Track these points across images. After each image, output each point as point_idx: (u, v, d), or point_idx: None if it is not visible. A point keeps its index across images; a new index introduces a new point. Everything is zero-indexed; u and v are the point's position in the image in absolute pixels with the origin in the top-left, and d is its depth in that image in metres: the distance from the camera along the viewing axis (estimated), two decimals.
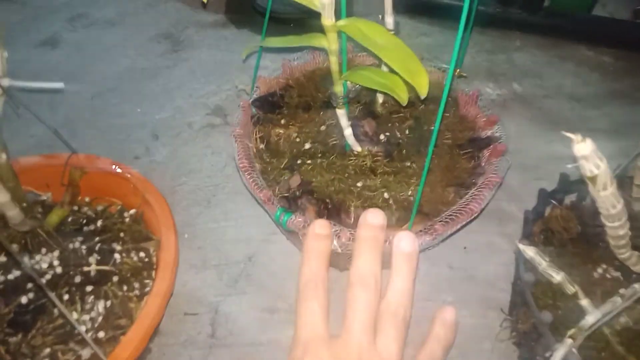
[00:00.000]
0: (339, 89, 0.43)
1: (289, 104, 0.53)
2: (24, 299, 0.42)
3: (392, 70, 0.36)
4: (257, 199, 0.45)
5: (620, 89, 0.81)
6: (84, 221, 0.49)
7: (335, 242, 0.41)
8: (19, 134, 0.56)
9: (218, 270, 0.57)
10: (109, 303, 0.42)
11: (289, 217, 0.43)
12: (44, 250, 0.45)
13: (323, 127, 0.51)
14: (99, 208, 0.50)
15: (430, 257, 0.58)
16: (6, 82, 0.39)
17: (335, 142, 0.50)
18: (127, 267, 0.45)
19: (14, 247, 0.44)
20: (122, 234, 0.47)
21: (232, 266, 0.57)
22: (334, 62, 0.40)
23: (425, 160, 0.36)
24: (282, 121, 0.52)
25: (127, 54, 0.87)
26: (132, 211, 0.51)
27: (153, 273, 0.45)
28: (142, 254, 0.46)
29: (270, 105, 0.52)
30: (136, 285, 0.44)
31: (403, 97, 0.37)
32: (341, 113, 0.45)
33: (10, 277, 0.43)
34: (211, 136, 0.72)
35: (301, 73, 0.56)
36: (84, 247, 0.46)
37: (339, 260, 0.48)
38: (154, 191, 0.49)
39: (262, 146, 0.50)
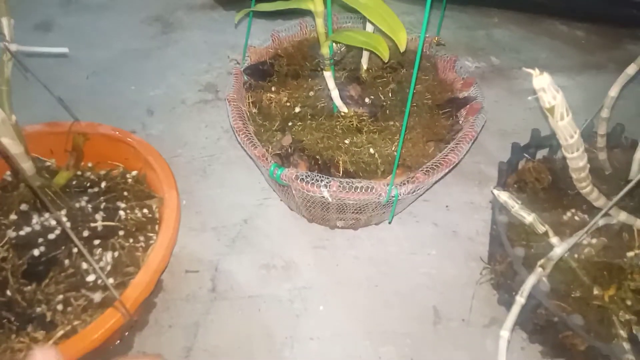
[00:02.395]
0: (325, 50, 0.46)
1: (278, 72, 0.56)
2: (36, 252, 0.44)
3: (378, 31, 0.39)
4: (252, 156, 0.48)
5: (593, 61, 0.85)
6: (88, 184, 0.51)
7: (326, 192, 0.45)
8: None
9: (216, 233, 0.60)
10: (116, 254, 0.45)
11: (282, 171, 0.46)
12: (53, 207, 0.47)
13: (311, 93, 0.54)
14: (102, 172, 0.53)
15: (415, 215, 0.61)
16: (14, 47, 0.41)
17: (323, 105, 0.53)
18: (132, 222, 0.48)
19: (24, 206, 0.47)
20: (125, 193, 0.50)
21: (229, 228, 0.60)
22: (320, 25, 0.43)
23: (409, 120, 0.39)
24: (273, 88, 0.55)
25: (119, 36, 0.89)
26: (134, 173, 0.53)
27: (156, 227, 0.48)
28: (145, 211, 0.49)
29: (261, 73, 0.55)
30: (141, 238, 0.47)
31: (384, 54, 0.41)
32: (328, 75, 0.48)
33: (22, 233, 0.45)
34: (204, 111, 0.75)
35: (289, 43, 0.59)
36: (89, 205, 0.48)
37: (329, 214, 0.52)
38: (155, 153, 0.52)
39: (254, 110, 0.53)
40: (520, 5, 0.93)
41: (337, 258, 0.58)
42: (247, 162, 0.67)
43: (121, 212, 0.48)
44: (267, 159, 0.47)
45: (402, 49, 0.38)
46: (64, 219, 0.47)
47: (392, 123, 0.51)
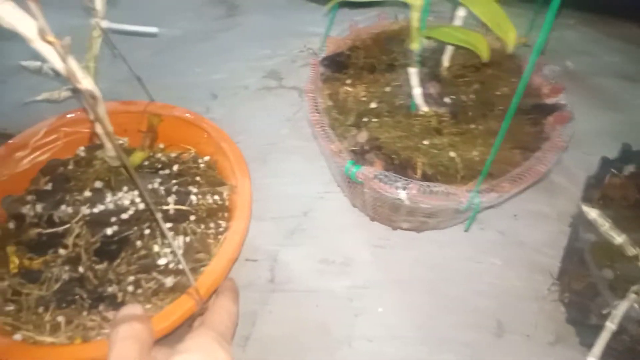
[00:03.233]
0: (416, 46, 0.43)
1: (355, 65, 0.54)
2: (109, 231, 0.44)
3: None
4: (326, 151, 0.47)
5: None
6: (159, 165, 0.51)
7: (403, 194, 0.43)
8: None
9: (275, 223, 0.60)
10: (188, 239, 0.44)
11: (359, 169, 0.44)
12: (125, 188, 0.47)
13: (388, 88, 0.52)
14: (172, 155, 0.53)
15: (481, 222, 0.59)
16: (105, 23, 0.41)
17: (400, 102, 0.51)
18: (203, 208, 0.47)
19: (99, 183, 0.47)
20: (198, 178, 0.49)
21: (288, 219, 0.60)
22: (415, 19, 0.41)
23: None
24: (348, 81, 0.53)
25: (183, 16, 0.88)
26: (206, 158, 0.52)
27: (226, 215, 0.47)
28: (216, 197, 0.48)
29: (337, 65, 0.53)
30: (211, 225, 0.46)
31: (484, 53, 0.38)
32: (413, 72, 0.46)
33: (95, 210, 0.46)
34: (266, 98, 0.74)
35: (367, 35, 0.57)
36: (162, 188, 0.48)
37: (397, 215, 0.50)
38: (228, 139, 0.51)
39: (330, 103, 0.51)
40: (594, 6, 0.88)
41: (396, 259, 0.57)
42: (308, 154, 0.66)
43: (192, 197, 0.48)
44: (342, 155, 0.45)
45: (509, 50, 0.35)
46: (137, 199, 0.46)
47: (474, 126, 0.49)
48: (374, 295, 0.53)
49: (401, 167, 0.46)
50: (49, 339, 0.37)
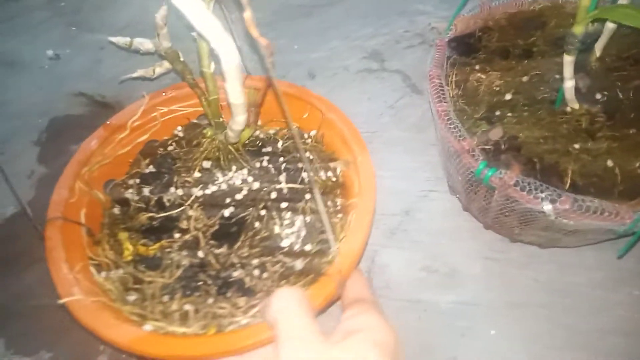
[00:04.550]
0: (579, 29, 0.36)
1: (486, 48, 0.49)
2: (226, 212, 0.42)
3: None
4: (453, 148, 0.41)
5: None
6: (260, 143, 0.49)
7: (549, 208, 0.36)
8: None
9: (374, 220, 0.54)
10: (308, 218, 0.42)
11: (494, 172, 0.38)
12: (234, 167, 0.45)
13: (525, 78, 0.47)
14: (271, 131, 0.50)
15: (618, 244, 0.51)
16: None
17: (542, 95, 0.44)
18: (318, 185, 0.44)
19: (206, 163, 0.44)
20: (308, 154, 0.47)
21: (388, 217, 0.56)
22: None
23: None
24: (477, 66, 0.47)
25: None
26: (312, 132, 0.50)
27: (340, 192, 0.45)
28: (329, 174, 0.46)
29: (466, 48, 0.47)
30: (329, 203, 0.44)
31: None
32: (568, 60, 0.39)
33: (208, 192, 0.43)
34: (367, 81, 0.69)
35: (501, 15, 0.50)
36: (271, 166, 0.46)
37: (526, 229, 0.43)
38: (339, 112, 0.47)
39: (457, 91, 0.45)
40: None
41: (512, 277, 0.51)
42: (412, 146, 0.61)
43: (304, 174, 0.45)
44: (474, 154, 0.39)
45: None
46: (250, 179, 0.44)
47: (634, 130, 0.41)
48: (483, 315, 0.48)
49: (544, 173, 0.40)
50: (180, 329, 0.35)
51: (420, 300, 0.49)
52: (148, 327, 0.35)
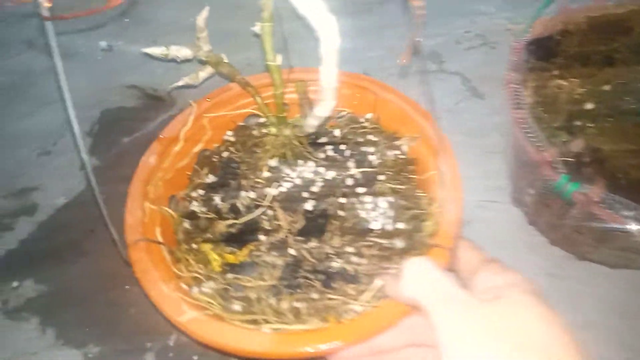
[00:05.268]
0: None
1: (565, 53, 0.45)
2: (307, 206, 0.41)
3: None
4: (531, 159, 0.39)
5: None
6: (314, 135, 0.47)
7: (636, 227, 0.34)
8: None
9: None
10: (390, 198, 0.42)
11: (577, 187, 0.35)
12: (300, 162, 0.44)
13: (607, 87, 0.44)
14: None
15: None
16: None
17: (628, 106, 0.41)
18: (388, 165, 0.44)
19: (273, 161, 0.44)
20: (370, 137, 0.47)
21: None
22: None
23: None
24: (556, 72, 0.44)
25: None
26: (368, 115, 0.49)
27: (413, 168, 0.45)
28: (395, 152, 0.46)
29: (545, 51, 0.44)
30: (404, 180, 0.44)
31: None
32: None
33: (282, 189, 0.43)
34: (424, 83, 0.66)
35: (583, 18, 0.47)
36: (335, 155, 0.45)
37: (600, 248, 0.40)
38: (392, 90, 0.47)
39: (534, 98, 0.42)
40: None
41: (577, 295, 0.48)
42: (470, 152, 0.58)
43: (371, 157, 0.45)
44: (555, 166, 0.37)
45: None
46: (321, 169, 0.43)
47: None
48: None
49: (630, 190, 0.37)
50: (300, 326, 0.34)
51: None
52: (266, 330, 0.34)
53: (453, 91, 0.65)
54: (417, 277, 0.30)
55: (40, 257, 0.52)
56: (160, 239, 0.40)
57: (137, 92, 0.66)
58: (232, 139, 0.48)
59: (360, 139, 0.46)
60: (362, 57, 0.70)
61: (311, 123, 0.41)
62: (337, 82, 0.36)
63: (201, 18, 0.42)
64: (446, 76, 0.68)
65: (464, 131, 0.60)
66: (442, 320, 0.27)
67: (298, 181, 0.43)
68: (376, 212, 0.41)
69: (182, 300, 0.34)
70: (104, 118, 0.64)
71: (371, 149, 0.45)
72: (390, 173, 0.44)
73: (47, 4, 0.26)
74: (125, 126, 0.62)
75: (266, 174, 0.43)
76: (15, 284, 0.50)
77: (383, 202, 0.41)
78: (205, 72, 0.46)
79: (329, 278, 0.37)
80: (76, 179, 0.57)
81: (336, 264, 0.38)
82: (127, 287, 0.49)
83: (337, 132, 0.47)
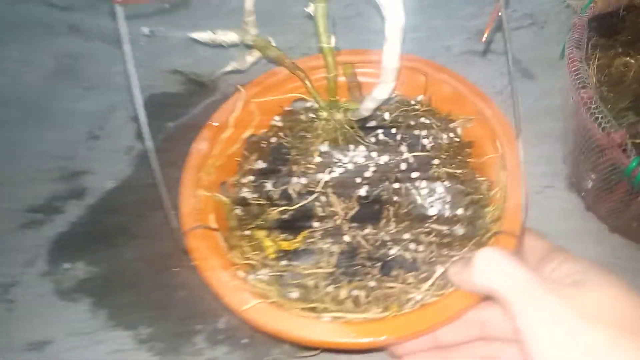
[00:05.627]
0: None
1: (631, 29, 0.42)
2: (362, 192, 0.41)
3: None
4: (594, 141, 0.37)
5: None
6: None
7: None
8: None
9: None
10: (447, 183, 0.41)
11: None
12: (351, 146, 0.43)
13: None
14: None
15: None
16: None
17: None
18: (442, 149, 0.44)
19: (324, 146, 0.43)
20: (423, 120, 0.46)
21: None
22: None
23: None
24: (621, 49, 0.42)
25: None
26: (419, 97, 0.48)
27: (469, 151, 0.44)
28: (450, 135, 0.45)
29: (608, 28, 0.42)
30: (459, 164, 0.43)
31: None
32: None
33: (335, 175, 0.42)
34: (472, 64, 0.65)
35: None
36: (387, 139, 0.44)
37: None
38: (447, 70, 0.46)
39: (599, 77, 0.40)
40: None
41: (637, 287, 0.45)
42: (525, 137, 0.55)
43: (424, 141, 0.44)
44: (626, 149, 0.35)
45: None
46: (373, 154, 0.43)
47: None
48: None
49: None
50: (360, 315, 0.34)
51: None
52: (326, 318, 0.34)
53: (502, 72, 0.63)
54: (491, 265, 0.29)
55: (91, 240, 0.53)
56: (214, 226, 0.40)
57: (180, 77, 0.66)
58: (280, 124, 0.48)
59: (412, 122, 0.45)
60: (405, 38, 0.68)
61: (368, 106, 0.40)
62: (399, 62, 0.34)
63: (249, 1, 0.41)
64: (494, 57, 0.65)
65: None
66: (525, 308, 0.26)
67: (350, 166, 0.42)
68: (433, 198, 0.40)
69: (242, 289, 0.34)
70: (149, 103, 0.64)
71: (424, 132, 0.44)
72: (445, 157, 0.42)
73: None
74: (169, 111, 0.62)
75: (317, 159, 0.43)
76: (67, 265, 0.51)
77: (439, 187, 0.40)
78: (252, 57, 0.45)
79: (386, 266, 0.37)
80: (124, 164, 0.58)
81: (393, 251, 0.37)
82: (175, 269, 0.50)
83: (387, 116, 0.46)
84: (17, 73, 0.67)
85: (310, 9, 0.39)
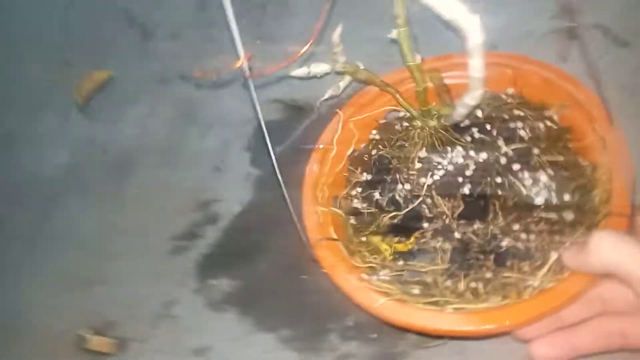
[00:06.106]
0: None
1: None
2: (465, 190, 0.43)
3: None
4: None
5: None
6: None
7: None
8: None
9: None
10: (550, 171, 0.42)
11: None
12: (448, 149, 0.46)
13: None
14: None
15: None
16: None
17: None
18: (541, 138, 0.44)
19: (423, 152, 0.47)
20: (515, 112, 0.47)
21: None
22: None
23: None
24: None
25: None
26: (509, 90, 0.49)
27: (567, 136, 0.45)
28: (546, 123, 0.45)
29: None
30: (561, 150, 0.44)
31: None
32: None
33: (436, 177, 0.45)
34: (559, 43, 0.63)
35: None
36: (482, 136, 0.46)
37: None
38: (529, 59, 0.48)
39: None
40: None
41: None
42: (625, 112, 0.53)
43: (521, 132, 0.45)
44: None
45: None
46: (471, 152, 0.45)
47: None
48: None
49: None
50: (481, 305, 0.37)
51: None
52: (449, 310, 0.37)
53: (594, 46, 0.61)
54: (608, 246, 0.31)
55: (230, 258, 0.61)
56: (334, 236, 0.45)
57: (280, 105, 0.73)
58: (378, 137, 0.52)
59: (506, 116, 0.46)
60: (486, 25, 0.68)
61: (460, 112, 0.43)
62: (485, 71, 0.37)
63: (336, 35, 0.45)
64: (583, 32, 0.63)
65: (614, 88, 0.57)
66: None
67: (450, 168, 0.45)
68: (537, 187, 0.41)
69: (370, 289, 0.39)
70: (257, 133, 0.72)
71: (519, 124, 0.45)
72: (545, 145, 0.43)
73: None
74: (276, 137, 0.69)
75: (418, 165, 0.46)
76: (213, 282, 0.60)
77: (543, 176, 0.41)
78: (344, 82, 0.50)
79: (499, 257, 0.39)
80: (245, 190, 0.66)
81: (505, 242, 0.39)
82: (303, 277, 0.56)
83: (479, 113, 0.48)
84: (145, 123, 0.79)
85: (393, 34, 0.42)
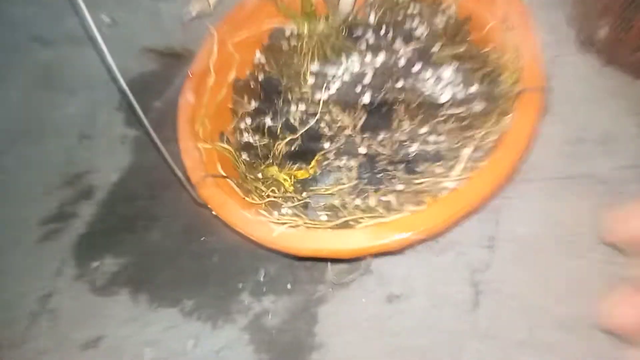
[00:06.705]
0: None
1: None
2: (365, 99, 0.39)
3: None
4: None
5: None
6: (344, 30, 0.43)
7: None
8: None
9: None
10: (452, 66, 0.39)
11: None
12: (341, 57, 0.41)
13: None
14: None
15: None
16: None
17: None
18: (439, 33, 0.41)
19: (315, 66, 0.41)
20: (409, 11, 0.43)
21: None
22: None
23: None
24: None
25: None
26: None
27: (471, 25, 0.41)
28: (443, 17, 0.42)
29: None
30: (461, 42, 0.40)
31: None
32: None
33: (332, 91, 0.40)
34: None
35: None
36: (377, 42, 0.42)
37: None
38: None
39: None
40: None
41: None
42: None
43: (417, 31, 0.41)
44: None
45: None
46: (367, 59, 0.40)
47: None
48: None
49: None
50: (396, 216, 0.32)
51: (570, 175, 0.43)
52: (369, 222, 0.32)
53: None
54: None
55: (113, 233, 0.52)
56: (222, 173, 0.38)
57: (153, 54, 0.63)
58: (263, 59, 0.45)
59: (399, 17, 0.42)
60: None
61: (344, 9, 0.37)
62: None
63: None
64: None
65: None
66: None
67: (346, 78, 0.40)
68: (441, 84, 0.38)
69: (268, 222, 0.33)
70: (129, 89, 0.62)
71: (415, 23, 0.41)
72: (444, 40, 0.40)
73: None
74: (152, 90, 0.60)
75: (310, 80, 0.40)
76: (95, 264, 0.50)
77: (446, 72, 0.38)
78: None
79: (410, 165, 0.35)
80: (122, 154, 0.56)
81: (413, 148, 0.35)
82: (202, 238, 0.48)
83: (372, 18, 0.43)
84: None
85: None
